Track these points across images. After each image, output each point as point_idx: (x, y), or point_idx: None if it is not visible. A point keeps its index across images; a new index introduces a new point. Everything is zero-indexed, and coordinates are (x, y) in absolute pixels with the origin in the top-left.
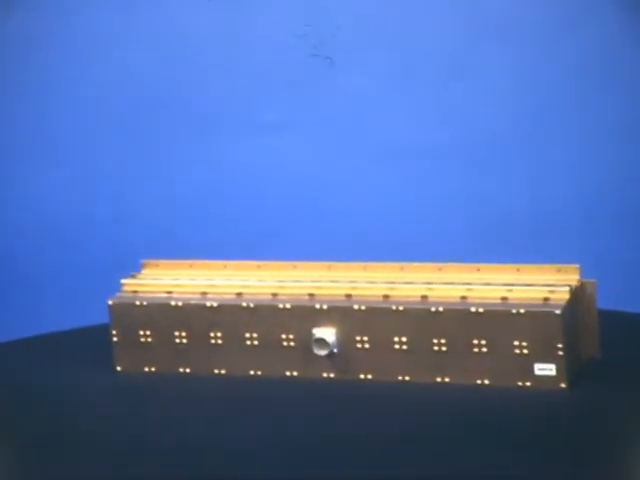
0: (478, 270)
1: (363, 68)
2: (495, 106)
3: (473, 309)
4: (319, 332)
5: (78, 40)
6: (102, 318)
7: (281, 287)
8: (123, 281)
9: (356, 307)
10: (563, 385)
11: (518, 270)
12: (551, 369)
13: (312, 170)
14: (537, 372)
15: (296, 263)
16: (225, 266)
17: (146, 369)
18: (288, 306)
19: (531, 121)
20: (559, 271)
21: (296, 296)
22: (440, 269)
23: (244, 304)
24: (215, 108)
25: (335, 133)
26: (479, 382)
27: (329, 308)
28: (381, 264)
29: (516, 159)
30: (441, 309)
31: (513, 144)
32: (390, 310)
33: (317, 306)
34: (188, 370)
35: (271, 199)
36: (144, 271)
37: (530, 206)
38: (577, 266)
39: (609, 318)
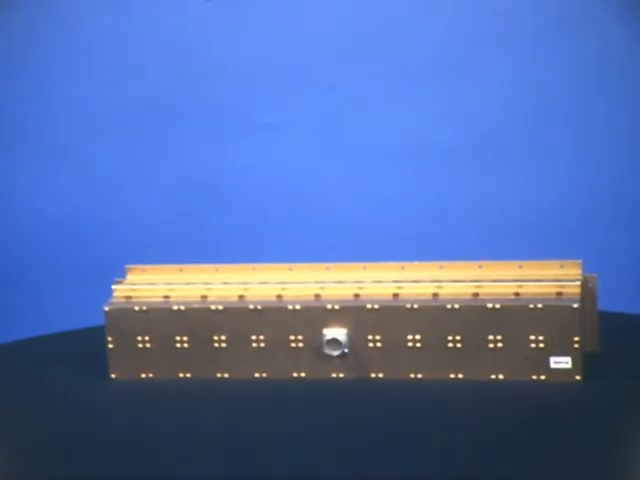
0: (480, 267)
1: (363, 69)
2: (495, 106)
3: (490, 305)
4: (330, 332)
5: (79, 42)
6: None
7: (284, 289)
8: (114, 287)
9: (369, 306)
10: (578, 377)
11: (520, 267)
12: (567, 362)
13: (311, 171)
14: (553, 365)
15: (292, 265)
16: (217, 269)
17: (143, 375)
18: (298, 307)
19: (531, 121)
20: (562, 267)
21: (302, 297)
22: (441, 267)
23: (251, 306)
24: (214, 109)
25: (335, 134)
26: (493, 377)
27: (341, 308)
28: (381, 264)
29: (516, 159)
30: (457, 306)
31: (513, 144)
32: (404, 308)
33: (328, 306)
34: (189, 375)
35: (269, 200)
36: (129, 276)
37: (530, 205)
38: (579, 262)
39: (607, 315)
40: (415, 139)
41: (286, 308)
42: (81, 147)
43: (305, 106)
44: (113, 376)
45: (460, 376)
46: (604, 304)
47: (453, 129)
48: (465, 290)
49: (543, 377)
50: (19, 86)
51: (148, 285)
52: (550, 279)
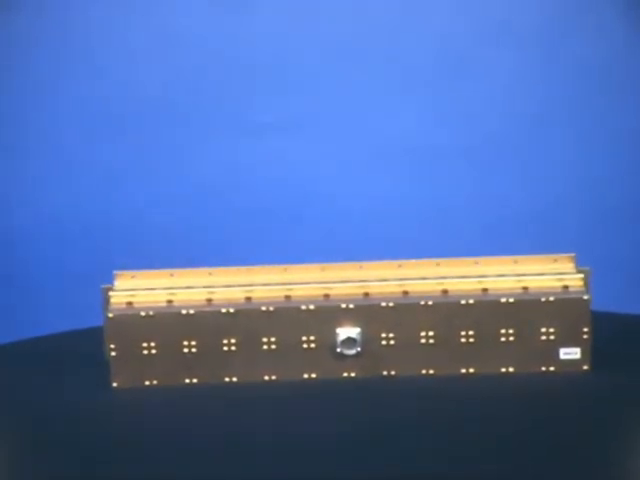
0: (476, 263)
1: (364, 68)
2: (494, 105)
3: (503, 300)
4: (344, 332)
5: (77, 41)
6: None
7: (290, 289)
8: (111, 294)
9: (383, 304)
10: (586, 367)
11: (515, 262)
12: (576, 353)
13: (310, 171)
14: (562, 356)
15: (287, 266)
16: (210, 273)
17: (147, 383)
18: (312, 307)
19: (530, 121)
20: (555, 261)
21: (311, 297)
22: (438, 264)
23: (262, 308)
24: (213, 109)
25: (334, 133)
26: (504, 370)
27: (355, 307)
28: (378, 262)
29: (515, 159)
30: (471, 301)
31: (512, 143)
32: (418, 305)
33: (342, 306)
34: (195, 381)
35: (268, 200)
36: (117, 282)
37: (527, 205)
38: (572, 255)
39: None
40: (415, 139)
41: (299, 308)
42: (81, 147)
43: (305, 106)
44: (115, 384)
45: (471, 370)
46: (596, 299)
47: (453, 129)
48: (473, 286)
49: (552, 368)
50: (19, 86)
51: (148, 290)
52: (552, 273)
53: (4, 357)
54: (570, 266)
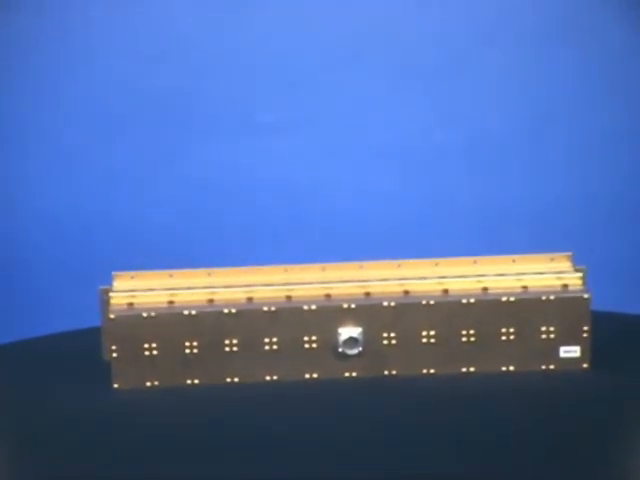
0: (475, 263)
1: (362, 69)
2: (494, 105)
3: (504, 299)
4: (346, 332)
5: (77, 41)
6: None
7: (291, 289)
8: (111, 294)
9: (385, 304)
10: (585, 365)
11: (513, 261)
12: (576, 351)
13: (310, 171)
14: (562, 355)
15: (287, 266)
16: (210, 274)
17: (148, 384)
18: (313, 307)
19: (530, 121)
20: (552, 260)
21: (312, 297)
22: (437, 264)
23: (265, 308)
24: (213, 109)
25: (334, 133)
26: (504, 369)
27: (357, 307)
28: (377, 262)
29: (515, 159)
30: (472, 300)
31: (512, 143)
32: (420, 305)
33: (344, 305)
34: (197, 381)
35: (268, 201)
36: (116, 283)
37: (527, 205)
38: (569, 254)
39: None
40: (415, 139)
41: (300, 309)
42: (81, 147)
43: (305, 106)
44: (116, 386)
45: (472, 369)
46: (596, 299)
47: (453, 129)
48: (473, 285)
49: (552, 367)
50: (19, 86)
51: (148, 291)
52: (551, 272)
53: (4, 357)
54: (567, 265)
